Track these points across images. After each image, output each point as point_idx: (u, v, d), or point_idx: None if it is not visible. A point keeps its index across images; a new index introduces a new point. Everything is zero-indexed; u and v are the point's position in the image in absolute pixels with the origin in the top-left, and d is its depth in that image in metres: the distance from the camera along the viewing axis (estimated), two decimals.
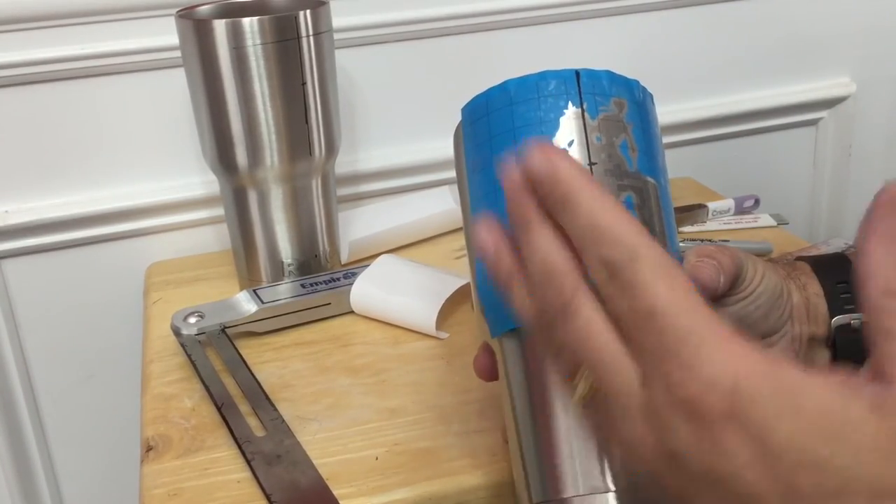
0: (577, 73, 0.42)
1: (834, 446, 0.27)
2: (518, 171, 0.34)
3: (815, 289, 0.48)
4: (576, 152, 0.39)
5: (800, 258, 0.51)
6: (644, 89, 0.43)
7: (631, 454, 0.32)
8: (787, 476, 0.27)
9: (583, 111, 0.40)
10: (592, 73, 0.42)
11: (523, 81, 0.42)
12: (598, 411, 0.33)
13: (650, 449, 0.31)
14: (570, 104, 0.40)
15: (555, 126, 0.40)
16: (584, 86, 0.41)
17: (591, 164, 0.39)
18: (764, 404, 0.28)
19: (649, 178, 0.40)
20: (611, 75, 0.42)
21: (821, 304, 0.47)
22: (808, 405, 0.28)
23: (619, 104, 0.41)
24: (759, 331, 0.46)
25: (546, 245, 0.33)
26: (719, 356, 0.29)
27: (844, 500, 0.27)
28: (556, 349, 0.34)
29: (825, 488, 0.27)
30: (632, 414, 0.31)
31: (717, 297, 0.43)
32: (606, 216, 0.31)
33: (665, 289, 0.30)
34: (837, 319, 0.47)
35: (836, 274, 0.48)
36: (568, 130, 0.40)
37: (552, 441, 0.37)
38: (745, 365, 0.29)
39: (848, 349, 0.47)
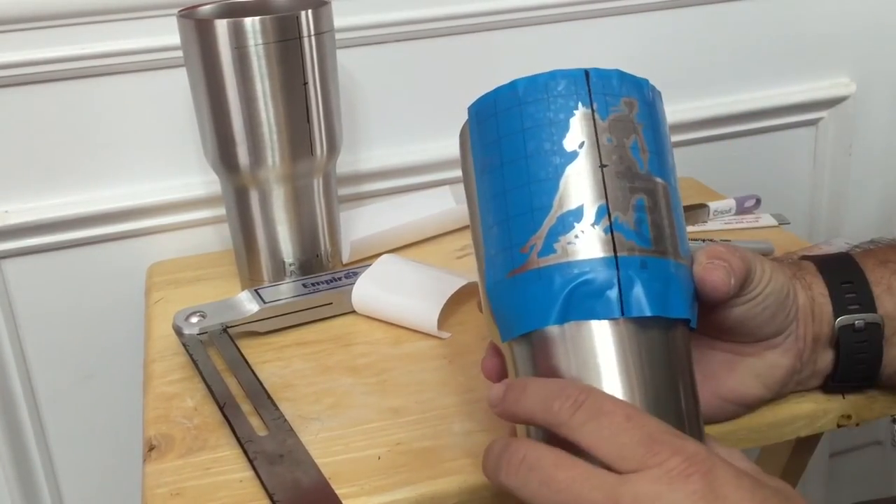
0: (586, 72, 0.41)
1: None
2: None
3: (820, 289, 0.48)
4: (586, 154, 0.39)
5: (804, 257, 0.51)
6: (654, 88, 0.43)
7: None
8: None
9: (593, 112, 0.40)
10: (602, 73, 0.42)
11: (533, 81, 0.42)
12: None
13: None
14: (580, 104, 0.40)
15: (565, 127, 0.40)
16: (594, 86, 0.41)
17: (602, 165, 0.39)
18: None
19: (659, 180, 0.40)
20: (621, 74, 0.42)
21: (826, 305, 0.47)
22: None
23: (630, 104, 0.41)
24: (764, 332, 0.46)
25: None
26: None
27: None
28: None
29: None
30: None
31: (727, 300, 0.43)
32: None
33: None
34: (841, 320, 0.47)
35: (841, 274, 0.48)
36: (578, 131, 0.40)
37: None
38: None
39: (851, 350, 0.47)
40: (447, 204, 0.83)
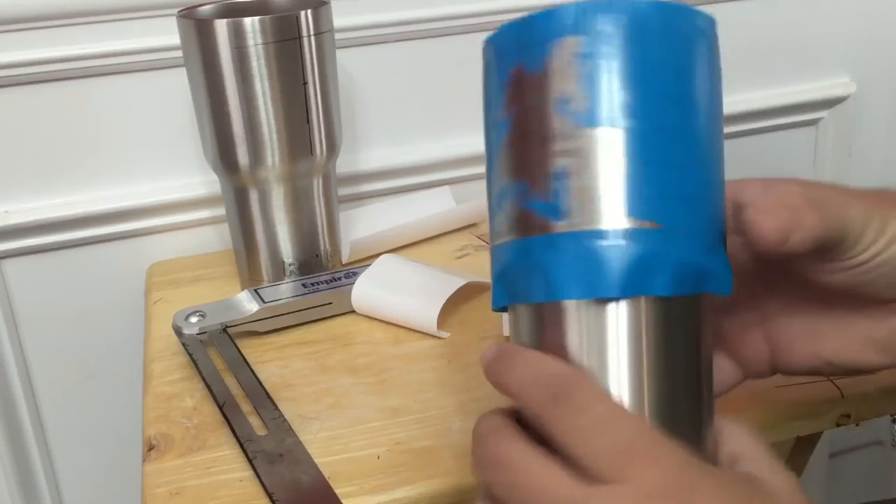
0: (523, 21, 0.35)
1: None
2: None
3: None
4: (511, 121, 0.36)
5: None
6: (675, 12, 0.35)
7: None
8: None
9: (519, 68, 0.35)
10: (547, 15, 0.35)
11: (502, 32, 0.37)
12: None
13: None
14: (516, 61, 0.36)
15: (500, 93, 0.37)
16: (527, 35, 0.35)
17: (520, 133, 0.35)
18: None
19: (606, 129, 0.34)
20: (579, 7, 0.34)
21: None
22: None
23: (590, 40, 0.34)
24: (886, 297, 0.39)
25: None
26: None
27: None
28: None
29: None
30: None
31: (786, 254, 0.36)
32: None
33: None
34: None
35: None
36: (506, 95, 0.36)
37: None
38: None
39: None
40: (447, 204, 0.83)
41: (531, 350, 0.36)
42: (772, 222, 0.35)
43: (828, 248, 0.37)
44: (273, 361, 0.62)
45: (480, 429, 0.36)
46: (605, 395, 0.33)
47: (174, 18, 0.65)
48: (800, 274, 0.39)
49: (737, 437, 0.35)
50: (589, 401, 0.32)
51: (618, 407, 0.33)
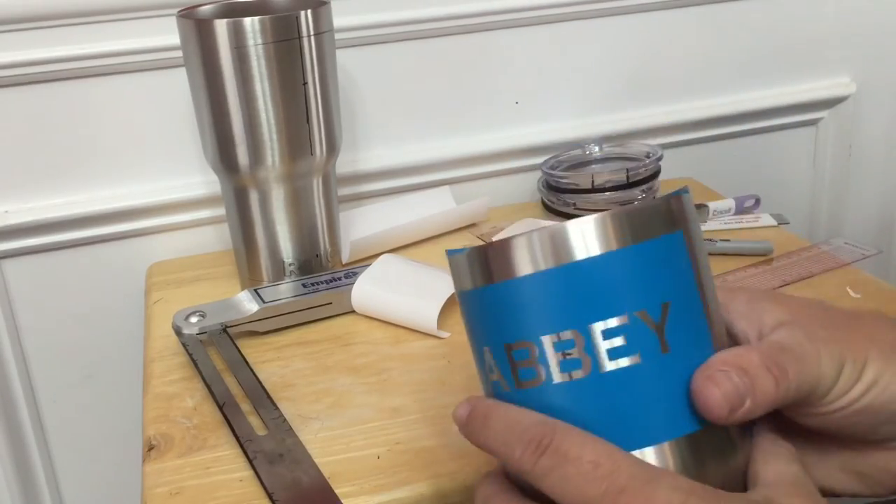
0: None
1: None
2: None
3: None
4: None
5: None
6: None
7: None
8: None
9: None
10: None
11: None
12: None
13: None
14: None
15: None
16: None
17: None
18: None
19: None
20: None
21: None
22: None
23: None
24: (869, 439, 0.37)
25: None
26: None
27: None
28: None
29: None
30: None
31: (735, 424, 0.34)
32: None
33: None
34: None
35: None
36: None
37: None
38: (689, 484, 0.32)
39: None
40: (447, 204, 0.83)
41: (503, 404, 0.35)
42: (717, 393, 0.33)
43: (792, 404, 0.35)
44: (273, 361, 0.62)
45: (480, 495, 0.35)
46: (589, 438, 0.32)
47: (174, 18, 0.65)
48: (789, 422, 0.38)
49: (764, 458, 0.35)
50: (574, 448, 0.32)
51: (604, 449, 0.32)
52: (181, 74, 0.67)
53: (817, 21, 0.95)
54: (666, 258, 0.34)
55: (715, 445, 0.34)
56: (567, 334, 0.33)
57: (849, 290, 0.66)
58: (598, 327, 0.33)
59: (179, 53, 0.67)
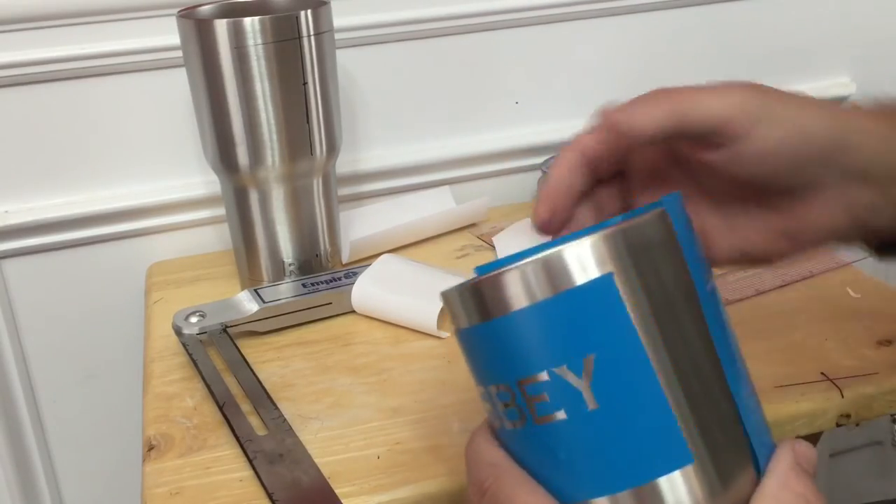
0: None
1: None
2: None
3: None
4: None
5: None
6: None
7: None
8: None
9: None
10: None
11: None
12: None
13: None
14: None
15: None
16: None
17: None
18: None
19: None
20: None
21: None
22: None
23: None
24: (789, 184, 0.39)
25: None
26: None
27: None
28: None
29: None
30: None
31: (656, 141, 0.38)
32: None
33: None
34: None
35: None
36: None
37: None
38: None
39: None
40: (447, 204, 0.83)
41: (483, 434, 0.36)
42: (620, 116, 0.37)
43: (696, 137, 0.38)
44: (273, 361, 0.62)
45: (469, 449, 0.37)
46: (521, 487, 0.33)
47: (174, 18, 0.65)
48: (711, 171, 0.40)
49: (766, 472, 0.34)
50: (503, 495, 0.33)
51: (530, 499, 0.33)
52: (181, 74, 0.67)
53: (817, 21, 0.95)
54: (587, 307, 0.31)
55: (674, 495, 0.32)
56: (502, 387, 0.33)
57: (849, 289, 0.66)
58: (524, 384, 0.32)
59: (179, 53, 0.67)
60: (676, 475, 0.32)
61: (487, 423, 0.36)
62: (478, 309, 0.33)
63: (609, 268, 0.31)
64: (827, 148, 0.38)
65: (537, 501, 0.33)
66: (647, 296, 0.32)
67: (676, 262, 0.33)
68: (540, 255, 0.31)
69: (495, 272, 0.32)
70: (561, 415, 0.32)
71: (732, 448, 0.33)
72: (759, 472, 0.34)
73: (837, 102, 0.43)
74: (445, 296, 0.35)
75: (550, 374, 0.32)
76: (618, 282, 0.31)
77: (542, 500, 0.33)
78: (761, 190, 0.40)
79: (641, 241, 0.32)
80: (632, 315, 0.32)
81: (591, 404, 0.31)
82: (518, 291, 0.32)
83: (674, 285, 0.33)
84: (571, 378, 0.32)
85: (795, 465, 0.34)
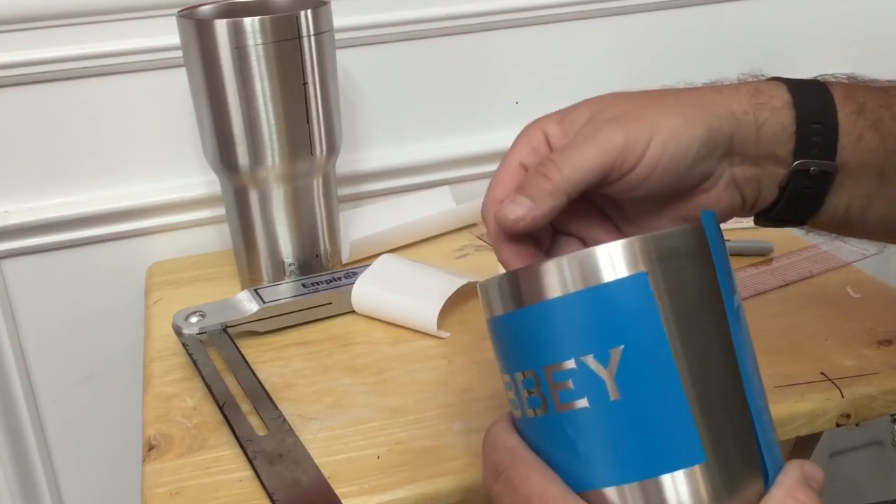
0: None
1: None
2: None
3: (785, 120, 0.43)
4: None
5: (777, 79, 0.46)
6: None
7: None
8: None
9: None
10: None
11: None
12: None
13: None
14: None
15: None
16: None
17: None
18: None
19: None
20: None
21: (787, 143, 0.43)
22: None
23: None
24: (682, 188, 0.42)
25: None
26: None
27: None
28: None
29: None
30: None
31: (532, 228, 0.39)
32: None
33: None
34: (799, 164, 0.43)
35: (815, 114, 0.43)
36: None
37: None
38: None
39: (796, 194, 0.44)
40: (447, 204, 0.83)
41: (503, 422, 0.38)
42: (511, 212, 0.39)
43: (600, 183, 0.40)
44: (273, 361, 0.62)
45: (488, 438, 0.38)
46: (536, 473, 0.34)
47: (174, 18, 0.65)
48: (613, 197, 0.43)
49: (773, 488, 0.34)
50: (517, 480, 0.34)
51: (542, 485, 0.34)
52: (181, 74, 0.67)
53: (817, 21, 0.95)
54: (620, 302, 0.33)
55: (679, 493, 0.33)
56: (528, 374, 0.35)
57: (849, 289, 0.66)
58: (550, 370, 0.34)
59: (179, 53, 0.67)
60: (687, 472, 0.33)
61: (507, 415, 0.38)
62: (514, 296, 0.35)
63: (644, 268, 0.33)
64: (706, 145, 0.41)
65: (550, 485, 0.34)
66: (677, 299, 0.34)
67: (707, 273, 0.35)
68: (580, 254, 0.33)
69: (536, 264, 0.34)
70: (583, 403, 0.33)
71: (744, 456, 0.34)
72: (767, 486, 0.34)
73: (711, 88, 0.45)
74: (484, 285, 0.37)
75: (578, 362, 0.33)
76: (651, 282, 0.33)
77: (556, 485, 0.34)
78: (661, 196, 0.43)
79: (676, 248, 0.34)
80: (661, 314, 0.33)
81: (613, 395, 0.33)
82: (555, 282, 0.34)
83: (703, 293, 0.34)
84: (597, 368, 0.33)
85: (803, 480, 0.34)
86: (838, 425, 0.53)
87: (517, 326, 0.35)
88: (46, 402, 0.84)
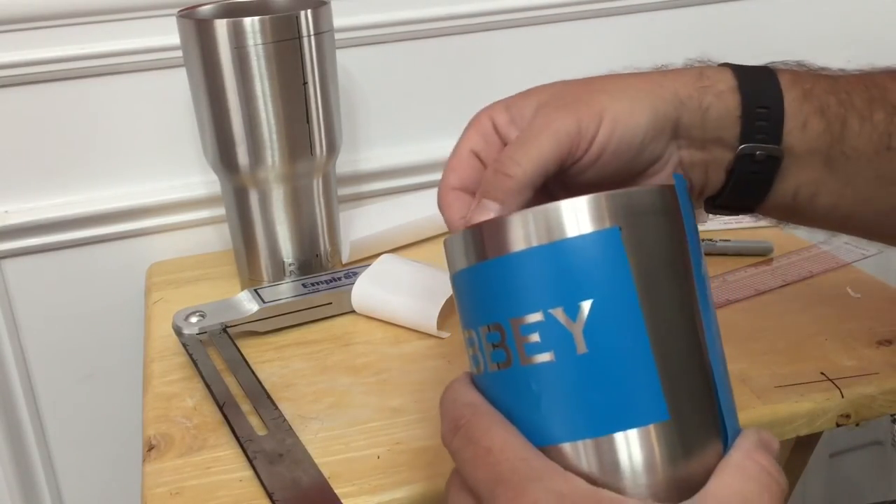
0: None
1: None
2: None
3: (730, 105, 0.43)
4: None
5: (726, 64, 0.47)
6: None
7: None
8: None
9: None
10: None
11: None
12: None
13: None
14: None
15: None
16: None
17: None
18: None
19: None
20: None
21: (732, 127, 0.43)
22: None
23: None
24: (633, 169, 0.43)
25: None
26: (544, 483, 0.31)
27: None
28: None
29: None
30: None
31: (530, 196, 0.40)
32: None
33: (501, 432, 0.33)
34: (744, 148, 0.43)
35: (760, 98, 0.44)
36: None
37: None
38: (570, 487, 0.31)
39: (743, 179, 0.44)
40: None
41: (462, 380, 0.37)
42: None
43: (557, 170, 0.41)
44: (273, 361, 0.62)
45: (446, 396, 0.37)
46: (496, 426, 0.34)
47: (174, 18, 0.65)
48: (568, 178, 0.43)
49: (721, 470, 0.34)
50: (478, 433, 0.34)
51: (502, 438, 0.33)
52: (181, 74, 0.67)
53: (817, 21, 0.95)
54: (591, 256, 0.33)
55: (632, 451, 0.33)
56: (494, 327, 0.34)
57: (849, 289, 0.66)
58: (517, 323, 0.33)
59: (179, 53, 0.67)
60: (642, 431, 0.33)
61: (466, 374, 0.37)
62: (487, 245, 0.35)
63: (618, 222, 0.33)
64: (652, 128, 0.42)
65: (511, 437, 0.33)
66: (648, 255, 0.33)
67: (678, 233, 0.35)
68: (549, 206, 0.33)
69: (505, 217, 0.34)
70: (548, 356, 0.33)
71: (705, 417, 0.34)
72: (725, 451, 0.34)
73: (658, 72, 0.47)
74: (450, 240, 0.37)
75: (546, 314, 0.33)
76: (624, 236, 0.33)
77: (516, 439, 0.33)
78: (610, 179, 0.43)
79: (650, 205, 0.34)
80: (633, 270, 0.33)
81: (580, 348, 0.33)
82: (530, 231, 0.33)
83: (673, 252, 0.34)
84: (566, 321, 0.33)
85: (760, 443, 0.34)
86: (838, 425, 0.53)
87: (486, 279, 0.35)
88: (46, 401, 0.84)
